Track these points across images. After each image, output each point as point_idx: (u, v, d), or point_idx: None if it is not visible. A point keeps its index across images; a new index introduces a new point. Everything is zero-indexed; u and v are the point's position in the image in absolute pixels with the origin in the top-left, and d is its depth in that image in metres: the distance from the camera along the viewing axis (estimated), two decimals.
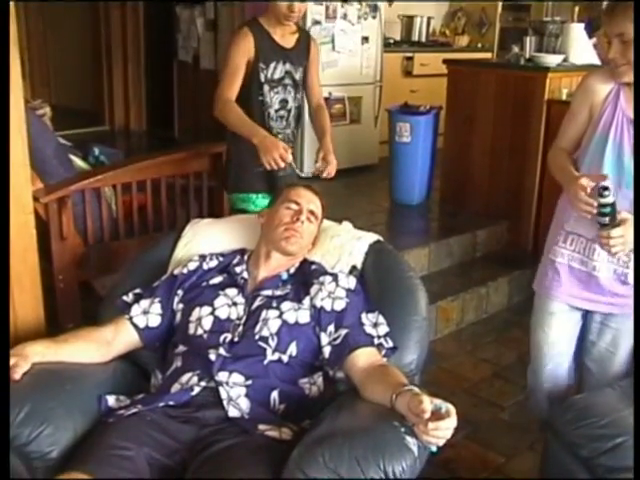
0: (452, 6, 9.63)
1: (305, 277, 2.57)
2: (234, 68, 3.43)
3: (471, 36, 9.31)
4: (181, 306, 2.56)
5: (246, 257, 2.68)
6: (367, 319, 2.46)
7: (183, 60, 8.42)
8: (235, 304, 2.49)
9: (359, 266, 2.72)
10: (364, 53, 7.16)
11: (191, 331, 2.47)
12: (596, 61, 5.44)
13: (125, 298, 2.65)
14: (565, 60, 5.58)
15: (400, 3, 8.69)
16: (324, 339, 2.42)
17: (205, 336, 2.43)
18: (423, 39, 8.93)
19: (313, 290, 2.49)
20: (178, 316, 2.56)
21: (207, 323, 2.45)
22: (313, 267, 2.62)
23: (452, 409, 1.97)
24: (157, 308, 2.56)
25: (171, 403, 2.28)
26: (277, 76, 3.52)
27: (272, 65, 3.49)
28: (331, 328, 2.42)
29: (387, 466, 1.91)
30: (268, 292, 2.51)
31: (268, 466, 2.02)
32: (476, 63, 6.59)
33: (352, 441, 1.96)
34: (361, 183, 6.79)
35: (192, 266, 2.64)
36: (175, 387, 2.35)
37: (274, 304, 2.46)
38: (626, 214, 2.37)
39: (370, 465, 1.91)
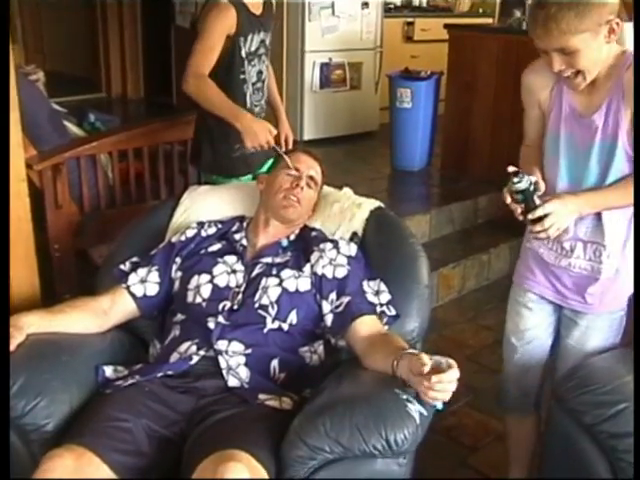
0: None
1: (305, 244, 2.54)
2: (213, 43, 3.14)
3: (472, 1, 9.22)
4: (179, 274, 2.54)
5: (245, 224, 2.65)
6: (369, 287, 2.43)
7: (181, 26, 8.31)
8: (234, 271, 2.46)
9: (360, 233, 2.69)
10: (364, 18, 7.08)
11: (189, 299, 2.44)
12: None
13: (122, 267, 2.62)
14: None
15: None
16: (326, 307, 2.39)
17: (204, 304, 2.40)
18: (424, 4, 8.91)
19: (313, 257, 2.46)
20: (176, 284, 2.54)
21: (206, 291, 2.42)
22: (313, 234, 2.59)
23: (453, 363, 1.95)
24: (155, 276, 2.54)
25: (169, 373, 2.26)
26: (254, 47, 3.30)
27: (249, 37, 3.25)
28: (333, 296, 2.40)
29: (389, 434, 1.90)
30: (268, 259, 2.48)
31: (268, 436, 2.00)
32: (478, 28, 6.55)
33: (353, 410, 1.95)
34: (361, 150, 6.76)
35: (190, 233, 2.62)
36: (174, 356, 2.32)
37: (274, 272, 2.43)
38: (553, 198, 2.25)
39: (372, 433, 1.90)
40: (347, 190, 2.91)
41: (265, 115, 3.46)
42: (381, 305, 2.40)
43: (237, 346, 2.28)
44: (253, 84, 3.37)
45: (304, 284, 2.41)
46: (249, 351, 2.28)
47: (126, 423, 2.05)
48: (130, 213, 3.75)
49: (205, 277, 2.46)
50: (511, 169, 2.20)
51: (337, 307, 2.38)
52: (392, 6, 8.31)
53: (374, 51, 7.24)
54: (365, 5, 7.06)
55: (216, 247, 2.57)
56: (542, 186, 2.28)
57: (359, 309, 2.35)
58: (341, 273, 2.43)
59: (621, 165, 2.28)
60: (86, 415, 2.12)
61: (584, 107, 2.32)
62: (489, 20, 8.50)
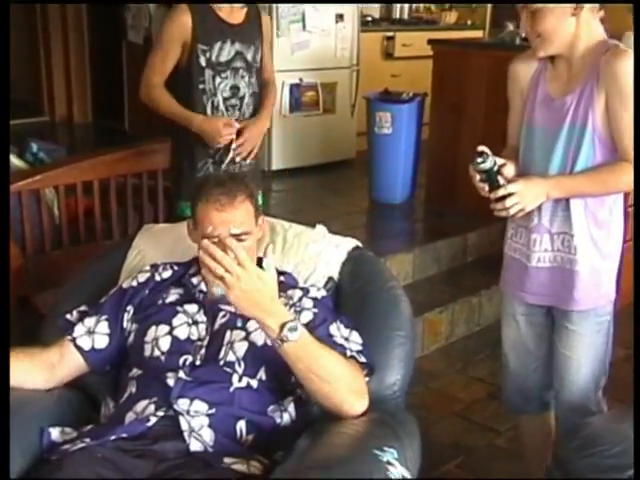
0: None
1: None
2: (165, 50, 3.42)
3: (460, 12, 9.35)
4: (133, 325, 2.54)
5: None
6: (337, 330, 2.45)
7: (133, 42, 8.39)
8: (196, 322, 2.46)
9: (336, 277, 2.74)
10: (339, 33, 7.18)
11: (147, 353, 2.44)
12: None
13: (69, 317, 2.63)
14: None
15: None
16: None
17: (162, 358, 2.40)
18: (405, 16, 9.02)
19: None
20: (131, 336, 2.53)
21: (165, 344, 2.42)
22: (281, 278, 2.58)
23: None
24: (104, 327, 2.53)
25: (124, 435, 2.26)
26: (224, 58, 3.45)
27: (217, 46, 3.42)
28: None
29: None
30: (231, 307, 2.43)
31: None
32: (465, 43, 6.59)
33: (329, 475, 1.95)
34: (336, 181, 6.82)
35: (142, 278, 2.62)
36: (129, 416, 2.33)
37: (239, 323, 2.44)
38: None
39: None
40: (321, 228, 2.95)
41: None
42: (351, 351, 2.41)
43: (200, 405, 2.29)
44: (225, 99, 3.50)
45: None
46: (213, 411, 2.28)
47: None
48: (78, 255, 3.78)
49: (164, 328, 2.45)
50: (479, 149, 2.53)
51: None
52: (370, 19, 8.43)
53: (350, 70, 7.33)
54: (339, 18, 7.16)
55: (173, 296, 2.57)
56: (509, 170, 2.63)
57: None
58: (306, 318, 2.44)
59: (590, 150, 2.55)
60: None
61: (559, 92, 2.62)
62: (479, 33, 8.64)
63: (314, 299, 2.51)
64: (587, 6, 2.49)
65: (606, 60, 2.48)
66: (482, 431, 3.85)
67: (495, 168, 2.51)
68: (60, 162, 4.35)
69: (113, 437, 2.24)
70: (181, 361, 2.37)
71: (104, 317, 2.54)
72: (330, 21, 7.09)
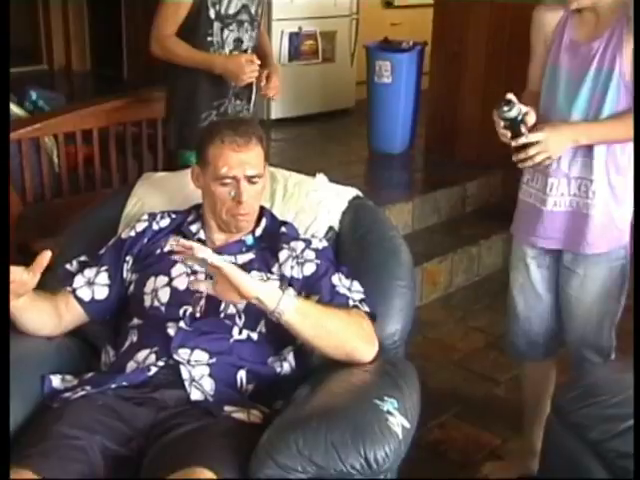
0: None
1: (274, 241, 2.54)
2: (175, 8, 3.46)
3: None
4: (133, 276, 2.53)
5: (203, 215, 2.61)
6: (339, 281, 2.45)
7: None
8: (195, 272, 2.43)
9: (336, 227, 2.73)
10: None
11: (147, 303, 2.44)
12: None
13: (68, 267, 2.61)
14: None
15: None
16: None
17: (163, 309, 2.40)
18: None
19: (282, 256, 2.47)
20: (131, 287, 2.52)
21: (164, 295, 2.42)
22: (283, 229, 2.58)
23: None
24: (104, 278, 2.52)
25: (125, 384, 2.27)
26: (232, 11, 3.51)
27: None
28: (302, 296, 2.40)
29: (368, 451, 1.91)
30: (231, 258, 2.44)
31: (235, 452, 2.01)
32: None
33: (329, 424, 1.96)
34: (336, 130, 6.80)
35: (140, 227, 2.59)
36: (130, 365, 2.33)
37: None
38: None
39: (349, 451, 1.91)
40: (321, 177, 2.93)
41: None
42: (354, 300, 2.41)
43: (200, 355, 2.29)
44: (230, 51, 3.55)
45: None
46: (213, 360, 2.29)
47: (78, 441, 2.05)
48: (78, 203, 3.76)
49: (162, 279, 2.45)
50: (507, 96, 2.51)
51: None
52: None
53: (349, 18, 7.29)
54: None
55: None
56: (532, 118, 2.53)
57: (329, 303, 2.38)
58: (309, 270, 2.45)
59: (615, 95, 2.56)
60: (32, 431, 2.13)
61: (586, 38, 2.62)
62: None
63: (316, 250, 2.50)
64: None
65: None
66: (481, 381, 3.87)
67: (520, 117, 2.50)
68: (59, 110, 4.34)
69: (114, 385, 2.27)
70: (181, 312, 2.37)
71: (104, 268, 2.53)
72: None
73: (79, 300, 2.49)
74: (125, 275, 2.54)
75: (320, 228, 2.71)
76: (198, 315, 2.37)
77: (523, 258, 2.97)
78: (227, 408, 2.21)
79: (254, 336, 2.37)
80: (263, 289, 2.18)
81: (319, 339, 2.26)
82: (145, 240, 2.56)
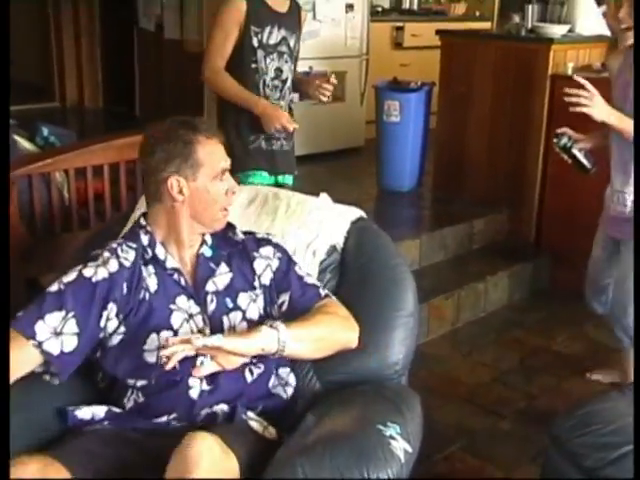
0: None
1: (226, 242, 2.48)
2: (225, 34, 3.63)
3: (468, 3, 9.35)
4: (121, 327, 2.30)
5: (155, 235, 2.41)
6: (300, 270, 2.50)
7: (145, 28, 8.42)
8: (191, 315, 2.35)
9: (339, 247, 2.75)
10: (349, 22, 7.21)
11: (150, 360, 2.28)
12: (605, 32, 5.48)
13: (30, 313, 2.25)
14: (571, 31, 5.63)
15: None
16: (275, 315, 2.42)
17: (176, 365, 2.17)
18: (415, 7, 9.02)
19: (259, 267, 2.46)
20: (115, 337, 2.31)
21: None
22: (238, 235, 2.51)
23: None
24: (72, 326, 2.21)
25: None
26: (273, 41, 3.69)
27: (267, 29, 3.66)
28: (275, 298, 2.44)
29: (372, 474, 1.95)
30: (212, 286, 2.40)
31: (248, 454, 2.05)
32: (472, 34, 6.66)
33: (333, 449, 2.00)
34: (346, 168, 6.83)
35: (112, 267, 2.30)
36: (143, 422, 2.29)
37: (229, 304, 2.39)
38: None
39: (354, 474, 1.95)
40: (325, 196, 2.97)
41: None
42: (323, 289, 2.47)
43: (220, 407, 2.29)
44: (271, 79, 3.75)
45: (260, 303, 2.43)
46: (231, 406, 2.29)
47: (100, 450, 2.11)
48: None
49: (166, 334, 2.29)
50: (557, 130, 3.53)
51: (281, 306, 2.43)
52: (379, 9, 8.44)
53: (359, 59, 7.35)
54: (349, 8, 7.19)
55: (152, 282, 2.36)
56: (585, 143, 3.52)
57: (307, 302, 2.41)
58: (275, 265, 2.47)
59: None
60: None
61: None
62: (487, 24, 8.63)
63: (275, 245, 2.52)
64: None
65: None
66: (486, 414, 3.86)
67: (569, 143, 3.40)
68: (70, 146, 4.36)
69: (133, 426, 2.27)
70: (199, 362, 2.24)
71: (71, 314, 2.21)
72: (340, 11, 7.12)
73: (47, 354, 2.17)
74: (103, 323, 2.27)
75: (321, 246, 2.73)
76: (197, 375, 2.23)
77: (597, 240, 3.87)
78: (249, 413, 2.27)
79: (260, 370, 2.37)
80: (261, 339, 2.17)
81: (317, 352, 2.33)
82: (124, 283, 2.30)
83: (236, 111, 3.69)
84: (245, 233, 2.53)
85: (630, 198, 3.50)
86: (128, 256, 2.34)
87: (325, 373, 2.52)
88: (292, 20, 3.79)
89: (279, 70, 3.75)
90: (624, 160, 3.47)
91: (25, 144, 4.35)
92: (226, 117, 3.77)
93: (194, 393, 2.26)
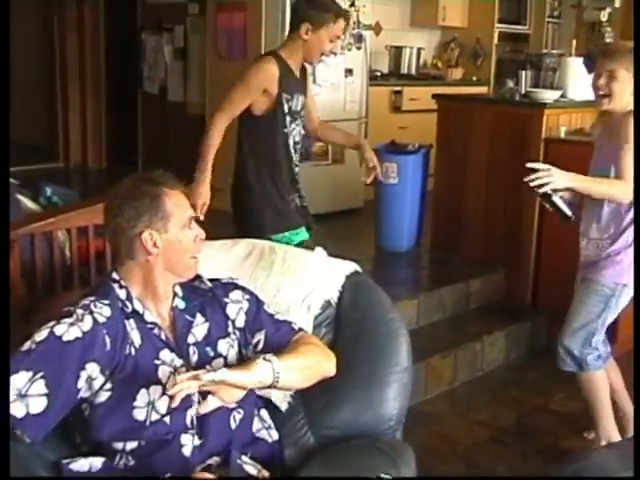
0: (444, 36, 9.83)
1: (195, 292, 2.48)
2: (248, 90, 3.74)
3: (465, 68, 9.50)
4: (106, 384, 2.23)
5: (130, 291, 2.37)
6: (269, 308, 2.52)
7: (149, 92, 8.53)
8: (176, 369, 2.32)
9: (334, 302, 2.77)
10: (348, 87, 7.32)
11: (140, 417, 2.24)
12: None
13: None
14: (563, 96, 5.75)
15: (388, 33, 8.90)
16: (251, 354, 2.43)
17: (167, 420, 2.23)
18: (413, 71, 9.11)
19: (232, 312, 2.48)
20: (99, 397, 2.24)
21: (162, 405, 2.24)
22: (205, 284, 2.51)
23: None
24: (40, 386, 2.11)
25: None
26: (298, 108, 3.84)
27: (295, 96, 3.79)
28: (249, 339, 2.46)
29: None
30: (192, 338, 2.40)
31: None
32: (467, 98, 6.76)
33: None
34: (344, 229, 6.85)
35: (86, 326, 2.21)
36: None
37: (210, 352, 2.40)
38: None
39: None
40: (320, 250, 2.99)
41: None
42: (294, 324, 2.49)
43: (213, 459, 2.29)
44: (295, 143, 3.90)
45: (237, 347, 2.45)
46: (223, 456, 2.29)
47: None
48: None
49: (156, 389, 2.26)
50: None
51: (256, 346, 2.44)
52: (378, 74, 8.54)
53: (359, 122, 7.44)
54: (349, 73, 7.30)
55: (136, 337, 2.31)
56: (566, 194, 3.61)
57: (282, 338, 2.43)
58: (245, 306, 2.49)
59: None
60: None
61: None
62: (484, 89, 8.76)
63: (242, 288, 2.54)
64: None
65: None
66: (483, 474, 3.85)
67: (549, 192, 3.48)
68: (73, 205, 4.38)
69: None
70: (188, 419, 2.27)
71: (39, 375, 2.11)
72: (340, 75, 7.23)
73: (11, 417, 2.08)
74: (82, 384, 2.19)
75: (316, 301, 2.75)
76: (202, 411, 2.23)
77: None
78: (243, 457, 2.28)
79: (241, 415, 2.37)
80: (259, 371, 2.17)
81: (306, 381, 2.35)
82: (105, 338, 2.22)
83: (272, 172, 3.84)
84: (211, 280, 2.53)
85: (608, 242, 3.72)
86: (102, 311, 2.26)
87: (319, 428, 2.54)
88: (304, 85, 3.93)
89: (299, 133, 3.91)
90: (597, 212, 3.72)
91: (28, 204, 4.37)
92: (260, 179, 3.87)
93: (187, 450, 2.25)
